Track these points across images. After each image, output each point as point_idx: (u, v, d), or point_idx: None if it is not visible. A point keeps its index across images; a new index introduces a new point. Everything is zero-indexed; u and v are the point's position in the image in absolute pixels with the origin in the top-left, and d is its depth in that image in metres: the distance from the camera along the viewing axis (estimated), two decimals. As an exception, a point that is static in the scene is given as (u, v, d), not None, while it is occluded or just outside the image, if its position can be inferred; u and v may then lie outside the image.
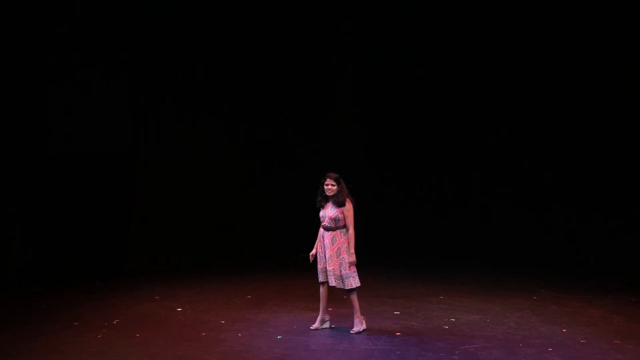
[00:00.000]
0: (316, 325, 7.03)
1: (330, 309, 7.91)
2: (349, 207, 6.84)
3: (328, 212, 6.85)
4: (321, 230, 6.96)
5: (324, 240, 6.90)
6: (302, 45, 12.51)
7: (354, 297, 6.93)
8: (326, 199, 6.89)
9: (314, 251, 7.02)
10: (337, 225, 6.84)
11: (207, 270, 10.64)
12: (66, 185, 9.80)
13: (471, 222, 12.36)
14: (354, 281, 6.86)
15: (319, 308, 7.92)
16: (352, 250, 6.84)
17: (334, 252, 6.84)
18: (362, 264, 11.66)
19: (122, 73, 10.36)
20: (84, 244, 9.93)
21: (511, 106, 11.88)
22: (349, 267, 6.82)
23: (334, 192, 6.81)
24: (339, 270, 6.83)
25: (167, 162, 10.88)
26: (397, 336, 6.71)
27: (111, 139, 10.32)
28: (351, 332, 6.92)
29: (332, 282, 6.88)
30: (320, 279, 6.97)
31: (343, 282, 6.84)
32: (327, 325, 7.09)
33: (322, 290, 6.99)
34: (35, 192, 9.56)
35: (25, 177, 9.47)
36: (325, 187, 6.84)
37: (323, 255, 6.91)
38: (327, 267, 6.87)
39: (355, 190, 13.08)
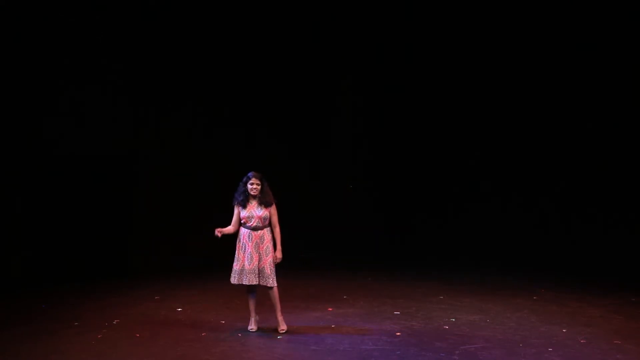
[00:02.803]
0: (254, 327, 6.91)
1: (330, 309, 7.92)
2: (274, 205, 6.87)
3: (256, 212, 6.78)
4: (245, 230, 6.79)
5: (251, 240, 6.76)
6: (302, 48, 12.52)
7: (277, 294, 6.90)
8: (248, 198, 6.81)
9: (223, 230, 6.76)
10: (264, 224, 6.81)
11: (207, 270, 10.64)
12: (67, 186, 9.81)
13: (471, 222, 12.38)
14: (275, 279, 6.84)
15: (318, 308, 7.96)
16: (280, 248, 6.84)
17: (264, 251, 6.78)
18: (362, 264, 11.76)
19: (122, 74, 10.36)
20: (84, 244, 9.93)
21: (511, 108, 11.90)
22: (275, 264, 6.83)
23: (258, 192, 6.77)
24: (268, 269, 6.77)
25: (167, 162, 10.88)
26: (397, 336, 6.70)
27: (112, 140, 10.32)
28: (281, 330, 6.84)
29: (259, 281, 6.76)
30: (249, 280, 6.72)
31: (270, 279, 6.77)
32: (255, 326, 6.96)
33: (253, 297, 6.88)
34: (36, 193, 9.56)
35: (26, 178, 9.47)
36: (250, 186, 6.76)
37: (252, 256, 6.73)
38: (258, 266, 6.74)
39: (357, 191, 13.25)
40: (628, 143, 10.73)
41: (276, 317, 6.94)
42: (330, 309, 7.95)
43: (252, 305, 6.93)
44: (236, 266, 6.80)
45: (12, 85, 9.32)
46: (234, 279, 6.81)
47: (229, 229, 6.84)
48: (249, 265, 6.74)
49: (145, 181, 10.67)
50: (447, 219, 12.66)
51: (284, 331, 6.84)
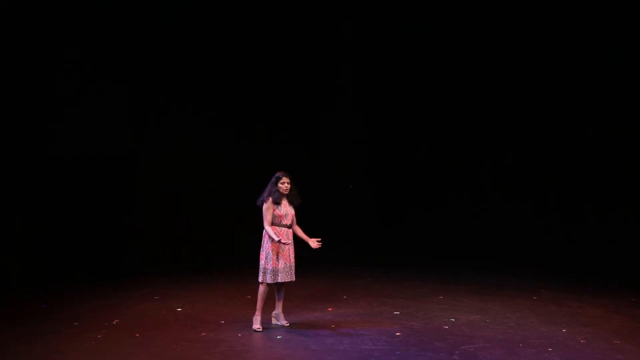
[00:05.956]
0: (261, 326, 6.94)
1: (330, 309, 7.93)
2: None
3: (289, 210, 6.98)
4: (282, 229, 6.92)
5: (288, 238, 6.95)
6: (302, 46, 12.55)
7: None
8: (281, 197, 6.94)
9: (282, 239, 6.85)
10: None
11: (207, 270, 10.65)
12: (67, 186, 9.80)
13: (471, 222, 12.37)
14: None
15: (318, 308, 7.97)
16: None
17: (292, 248, 7.02)
18: (362, 264, 11.77)
19: (122, 74, 10.36)
20: (85, 244, 9.92)
21: (512, 104, 11.89)
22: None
23: (289, 190, 6.95)
24: (295, 263, 7.04)
25: (167, 162, 10.88)
26: (397, 336, 6.70)
27: (111, 140, 10.32)
28: (287, 324, 7.08)
29: (291, 277, 6.98)
30: (289, 277, 6.94)
31: (294, 274, 7.04)
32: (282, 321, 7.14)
33: (268, 290, 6.97)
34: (36, 193, 9.56)
35: (26, 178, 9.46)
36: (281, 185, 6.93)
37: (289, 253, 6.95)
38: (290, 263, 6.95)
39: (356, 191, 13.25)
40: (627, 144, 10.72)
41: (280, 312, 7.15)
42: (330, 309, 7.95)
43: (261, 304, 6.94)
44: (270, 266, 6.86)
45: (12, 86, 9.31)
46: (268, 278, 6.87)
47: (274, 231, 6.91)
48: (288, 262, 6.93)
49: (146, 181, 10.67)
50: (447, 218, 12.66)
51: (288, 324, 7.07)
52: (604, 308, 8.08)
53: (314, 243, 6.89)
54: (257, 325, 6.92)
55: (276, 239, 6.75)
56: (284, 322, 7.10)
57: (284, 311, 7.21)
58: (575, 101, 11.21)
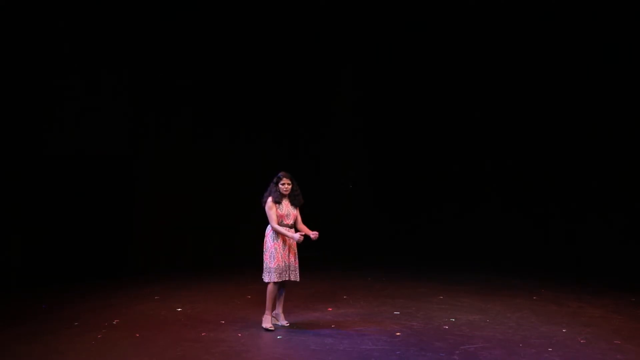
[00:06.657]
0: (272, 325, 6.99)
1: (330, 309, 7.93)
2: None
3: (292, 210, 7.02)
4: (282, 228, 6.92)
5: (289, 237, 6.99)
6: (304, 46, 12.56)
7: None
8: (281, 197, 6.98)
9: (298, 236, 6.86)
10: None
11: (207, 270, 10.65)
12: (66, 186, 9.79)
13: (471, 222, 12.38)
14: None
15: (318, 308, 7.97)
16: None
17: (295, 247, 7.06)
18: (362, 264, 11.77)
19: (122, 74, 10.35)
20: (84, 244, 9.92)
21: (512, 106, 11.90)
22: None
23: (289, 191, 6.98)
24: (297, 263, 7.06)
25: (166, 162, 10.88)
26: (397, 336, 6.70)
27: (111, 140, 10.31)
28: (287, 324, 7.09)
29: (296, 277, 7.03)
30: (288, 277, 6.97)
31: (298, 273, 7.07)
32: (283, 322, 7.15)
33: (277, 289, 7.00)
34: (36, 193, 9.55)
35: (26, 178, 9.46)
36: (281, 186, 6.97)
37: (289, 252, 6.98)
38: (293, 263, 7.00)
39: (356, 191, 13.25)
40: (627, 144, 10.73)
41: (281, 312, 7.17)
42: (330, 309, 7.95)
43: (270, 303, 6.97)
44: (274, 264, 6.88)
45: (12, 86, 9.30)
46: (274, 277, 6.88)
47: (288, 230, 6.94)
48: (288, 261, 6.96)
49: (145, 181, 10.67)
50: (448, 218, 12.66)
51: (288, 324, 7.09)
52: (604, 308, 8.09)
53: (312, 234, 6.90)
54: (268, 324, 6.94)
55: (294, 236, 6.78)
56: (284, 322, 7.10)
57: (284, 311, 7.22)
58: (576, 102, 11.22)
